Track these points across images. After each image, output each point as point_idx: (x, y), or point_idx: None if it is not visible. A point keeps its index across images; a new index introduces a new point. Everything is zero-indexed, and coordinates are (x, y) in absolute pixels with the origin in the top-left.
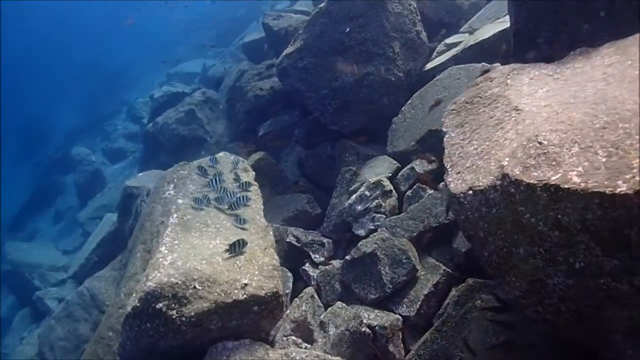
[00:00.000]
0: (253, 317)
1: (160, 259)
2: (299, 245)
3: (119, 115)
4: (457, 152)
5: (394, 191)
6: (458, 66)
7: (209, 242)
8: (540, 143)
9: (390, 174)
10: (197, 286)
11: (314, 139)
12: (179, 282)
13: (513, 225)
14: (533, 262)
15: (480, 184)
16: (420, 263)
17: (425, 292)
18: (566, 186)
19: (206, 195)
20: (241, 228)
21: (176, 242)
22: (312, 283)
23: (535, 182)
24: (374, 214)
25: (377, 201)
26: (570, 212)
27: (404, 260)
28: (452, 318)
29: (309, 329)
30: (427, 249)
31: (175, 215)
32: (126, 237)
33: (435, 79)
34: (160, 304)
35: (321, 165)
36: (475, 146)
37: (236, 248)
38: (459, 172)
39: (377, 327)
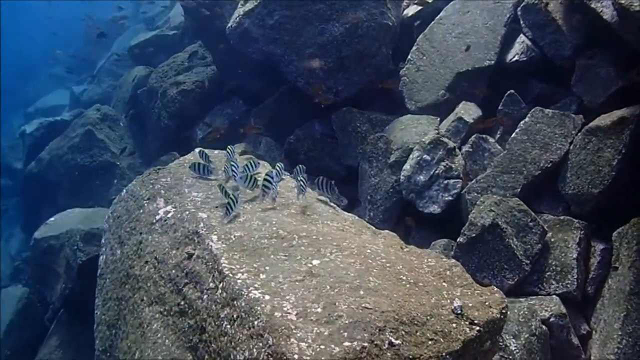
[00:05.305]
0: None
1: (276, 314)
2: None
3: None
4: None
5: (457, 148)
6: (461, 0)
7: (327, 261)
8: None
9: (436, 131)
10: (392, 340)
11: (291, 120)
12: (366, 343)
13: None
14: None
15: None
16: None
17: (574, 256)
18: None
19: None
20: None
21: (263, 275)
22: None
23: None
24: (445, 181)
25: (443, 164)
26: None
27: (531, 224)
28: None
29: None
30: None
31: (214, 238)
32: (49, 311)
33: (438, 17)
34: None
35: (320, 147)
36: None
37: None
38: None
39: (551, 319)
